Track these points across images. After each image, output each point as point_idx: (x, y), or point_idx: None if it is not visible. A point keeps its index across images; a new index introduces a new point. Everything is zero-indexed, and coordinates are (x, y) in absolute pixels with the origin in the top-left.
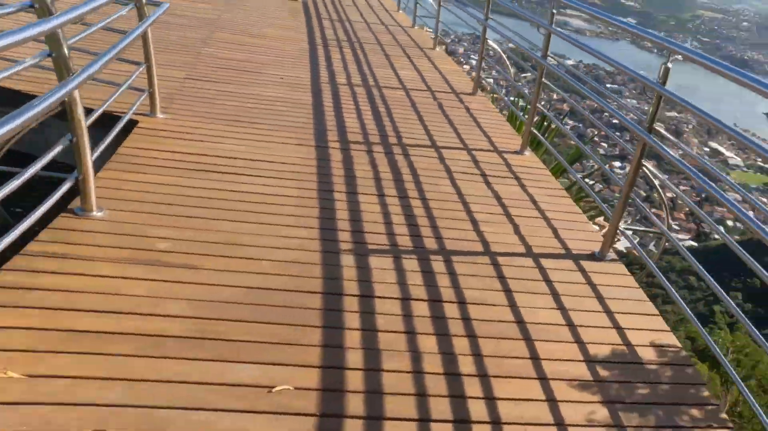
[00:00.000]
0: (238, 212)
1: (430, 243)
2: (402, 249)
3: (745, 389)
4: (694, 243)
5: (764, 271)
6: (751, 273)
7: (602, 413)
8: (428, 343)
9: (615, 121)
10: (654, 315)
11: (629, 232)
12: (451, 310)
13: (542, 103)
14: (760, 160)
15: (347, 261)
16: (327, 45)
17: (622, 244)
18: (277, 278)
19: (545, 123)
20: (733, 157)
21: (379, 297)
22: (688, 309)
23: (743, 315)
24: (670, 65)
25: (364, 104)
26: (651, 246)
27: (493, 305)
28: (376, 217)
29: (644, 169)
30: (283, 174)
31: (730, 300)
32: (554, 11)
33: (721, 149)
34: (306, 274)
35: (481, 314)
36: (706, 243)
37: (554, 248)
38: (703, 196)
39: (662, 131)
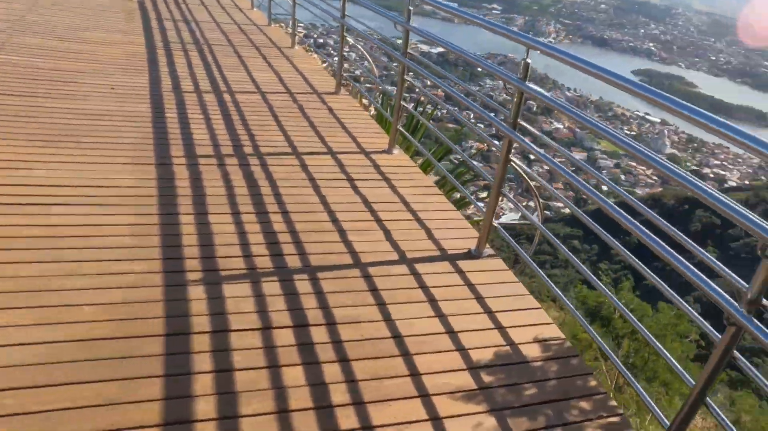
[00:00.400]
0: (49, 251)
1: (294, 261)
2: (261, 271)
3: (616, 358)
4: (576, 209)
5: (607, 234)
6: (627, 232)
7: (490, 422)
8: (294, 376)
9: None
10: (535, 308)
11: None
12: (320, 334)
13: (417, 90)
14: (626, 128)
15: (196, 293)
16: (169, 49)
17: (507, 217)
18: (103, 325)
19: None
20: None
21: (236, 330)
22: (563, 296)
23: (597, 279)
24: (529, 60)
25: (214, 112)
26: (535, 216)
27: (367, 322)
28: (230, 239)
29: (513, 164)
30: (114, 200)
31: (586, 269)
32: (411, 8)
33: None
34: (142, 315)
35: (353, 334)
36: (585, 208)
37: (429, 250)
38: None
39: (527, 126)
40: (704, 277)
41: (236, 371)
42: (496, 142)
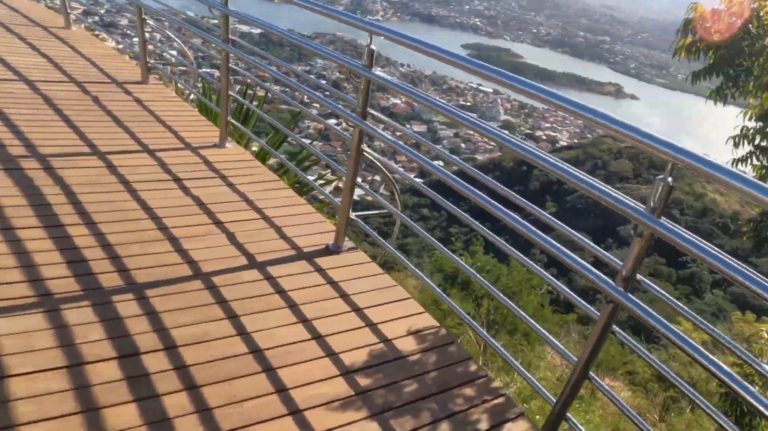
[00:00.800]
0: None
1: (110, 279)
2: (61, 297)
3: (477, 324)
4: (420, 180)
5: (447, 202)
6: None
7: (372, 428)
8: (124, 416)
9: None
10: (405, 299)
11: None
12: (157, 362)
13: (245, 76)
14: (461, 99)
15: None
16: None
17: (357, 192)
18: None
19: (251, 101)
20: (438, 100)
21: (22, 374)
22: (428, 280)
23: (440, 244)
24: (374, 47)
25: None
26: (382, 189)
27: (217, 340)
28: (5, 262)
29: (366, 153)
30: None
31: (441, 245)
32: None
33: (429, 95)
34: None
35: (201, 355)
36: (431, 177)
37: (282, 250)
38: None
39: (377, 114)
40: (580, 260)
41: (23, 425)
42: (332, 122)
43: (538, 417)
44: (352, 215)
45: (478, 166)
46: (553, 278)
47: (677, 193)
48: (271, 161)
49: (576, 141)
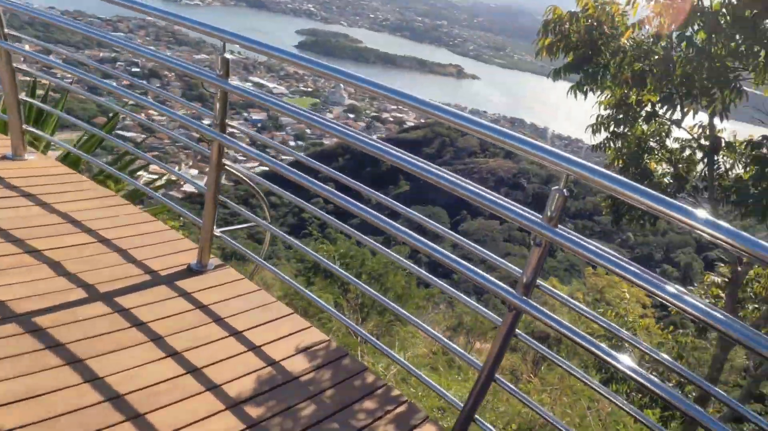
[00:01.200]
0: None
1: None
2: None
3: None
4: (266, 168)
5: (290, 193)
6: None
7: None
8: None
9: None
10: (288, 314)
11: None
12: None
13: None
14: (302, 85)
15: None
16: None
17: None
18: None
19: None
20: (277, 87)
21: None
22: (303, 288)
23: (282, 232)
24: (228, 56)
25: None
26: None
27: (53, 392)
28: None
29: (228, 168)
30: None
31: (276, 229)
32: None
33: (263, 81)
34: None
35: (29, 415)
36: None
37: (132, 276)
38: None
39: (235, 125)
40: (481, 272)
41: None
42: (152, 113)
43: (420, 393)
44: (217, 232)
45: (324, 152)
46: (449, 286)
47: (523, 162)
48: (82, 165)
49: (423, 120)
